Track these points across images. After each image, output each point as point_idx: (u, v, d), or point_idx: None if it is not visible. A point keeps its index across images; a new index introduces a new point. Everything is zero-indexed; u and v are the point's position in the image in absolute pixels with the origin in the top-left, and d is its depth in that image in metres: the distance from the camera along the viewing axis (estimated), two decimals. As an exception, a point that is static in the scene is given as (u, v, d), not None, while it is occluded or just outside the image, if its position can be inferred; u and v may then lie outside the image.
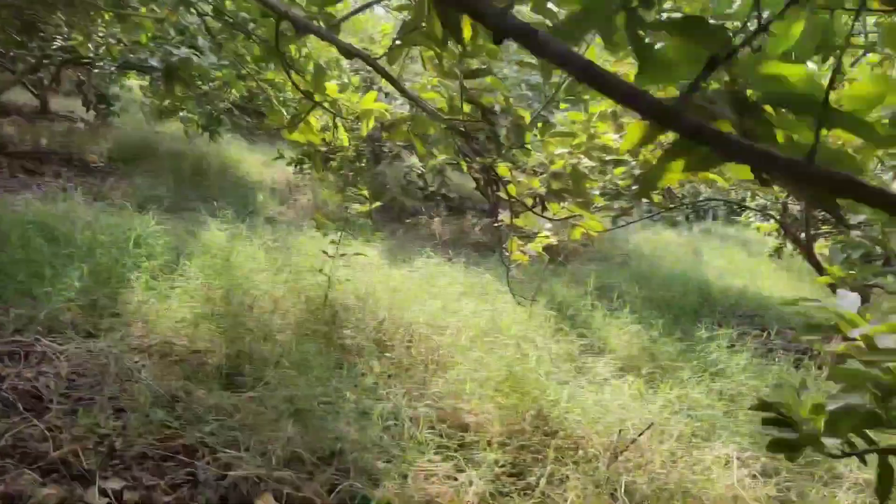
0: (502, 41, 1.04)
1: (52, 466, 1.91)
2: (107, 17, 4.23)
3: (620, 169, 3.99)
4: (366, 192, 3.67)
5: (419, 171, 7.84)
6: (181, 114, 9.32)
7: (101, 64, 6.37)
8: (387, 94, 7.56)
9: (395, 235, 7.05)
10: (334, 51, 5.47)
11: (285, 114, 6.76)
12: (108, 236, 3.48)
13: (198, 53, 5.73)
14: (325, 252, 3.55)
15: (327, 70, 5.97)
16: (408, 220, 7.73)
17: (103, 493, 1.83)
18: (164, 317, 2.91)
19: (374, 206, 3.70)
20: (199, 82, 6.08)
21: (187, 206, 5.90)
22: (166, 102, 9.40)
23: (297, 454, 2.08)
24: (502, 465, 2.26)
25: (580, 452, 2.36)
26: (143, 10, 2.53)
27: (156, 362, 2.56)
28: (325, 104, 2.67)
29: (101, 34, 5.77)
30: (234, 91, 5.35)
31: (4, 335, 2.55)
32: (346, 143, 3.76)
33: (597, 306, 4.17)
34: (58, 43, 6.49)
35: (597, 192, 3.77)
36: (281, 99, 7.06)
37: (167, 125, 9.63)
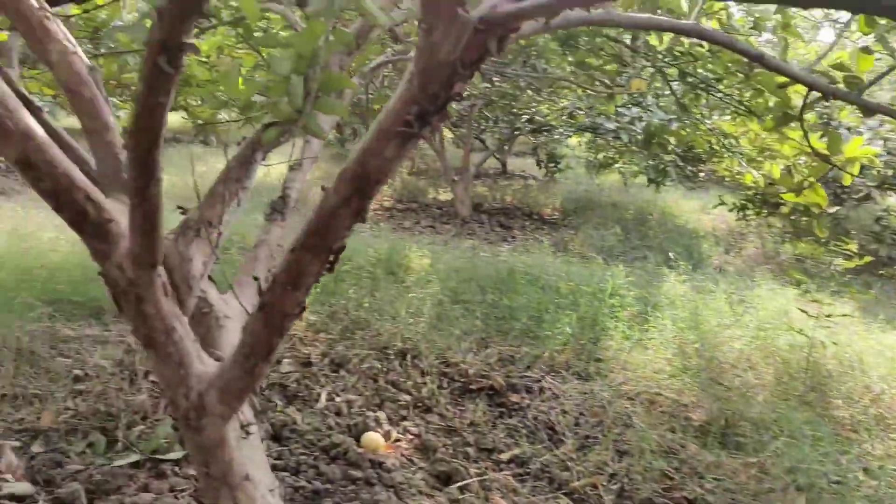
0: None
1: (573, 496, 2.18)
2: (579, 91, 4.80)
3: None
4: (853, 247, 3.32)
5: (901, 215, 6.72)
6: (616, 165, 9.87)
7: (560, 129, 7.16)
8: (849, 129, 6.75)
9: (869, 289, 6.16)
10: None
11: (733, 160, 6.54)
12: (587, 287, 3.87)
13: (647, 111, 6.02)
14: (803, 311, 3.31)
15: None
16: (881, 272, 6.68)
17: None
18: (643, 366, 3.07)
19: (863, 260, 3.31)
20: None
21: (636, 254, 6.17)
22: (600, 156, 10.09)
23: (813, 535, 1.96)
24: None
25: None
26: (636, 84, 2.80)
27: (644, 410, 2.72)
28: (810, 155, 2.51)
29: (564, 105, 6.56)
30: (694, 143, 5.43)
31: (519, 369, 3.04)
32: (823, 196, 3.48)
33: None
34: (525, 116, 7.58)
35: None
36: (725, 144, 6.90)
37: (605, 177, 10.31)
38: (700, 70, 3.23)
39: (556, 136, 8.39)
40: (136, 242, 1.08)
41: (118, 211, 1.15)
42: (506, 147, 11.60)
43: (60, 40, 1.15)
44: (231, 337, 1.73)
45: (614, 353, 3.24)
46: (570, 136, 8.19)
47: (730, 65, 3.06)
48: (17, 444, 2.33)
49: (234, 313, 1.76)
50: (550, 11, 0.83)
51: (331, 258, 1.20)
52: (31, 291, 3.35)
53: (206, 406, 1.38)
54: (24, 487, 2.15)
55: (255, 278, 1.21)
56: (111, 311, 3.41)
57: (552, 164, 10.36)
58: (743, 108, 2.96)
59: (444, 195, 9.01)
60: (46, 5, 1.18)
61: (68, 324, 3.21)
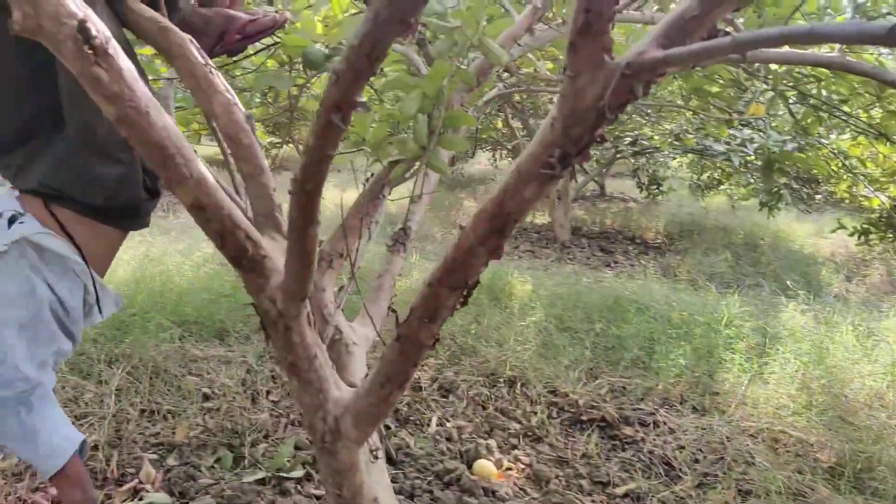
0: None
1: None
2: (688, 115, 4.69)
3: None
4: None
5: None
6: (722, 187, 9.49)
7: (665, 152, 6.99)
8: None
9: None
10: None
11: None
12: (700, 317, 3.74)
13: (760, 132, 5.78)
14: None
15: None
16: None
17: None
18: (764, 401, 2.93)
19: None
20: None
21: (748, 282, 5.91)
22: (705, 176, 9.73)
23: None
24: None
25: None
26: (754, 108, 2.70)
27: (767, 448, 2.59)
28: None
29: (670, 127, 6.41)
30: (815, 170, 5.17)
31: (631, 401, 2.97)
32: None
33: None
34: (628, 139, 7.46)
35: None
36: (847, 166, 6.54)
37: (710, 199, 9.94)
38: (823, 91, 3.09)
39: (660, 159, 8.20)
40: (291, 277, 1.16)
41: (272, 248, 1.24)
42: (604, 169, 11.44)
43: (223, 92, 1.26)
44: (357, 363, 1.80)
45: (731, 387, 3.11)
46: (674, 158, 7.98)
47: (856, 86, 2.92)
48: (155, 456, 2.51)
49: (360, 340, 1.84)
50: (699, 58, 0.83)
51: (465, 293, 1.24)
52: (163, 313, 3.61)
53: (342, 431, 1.44)
54: (162, 498, 2.31)
55: (394, 311, 1.26)
56: (233, 332, 3.62)
57: (654, 186, 10.10)
58: (872, 130, 2.80)
59: (541, 219, 8.97)
60: (210, 60, 1.30)
61: (196, 344, 3.43)
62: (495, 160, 13.02)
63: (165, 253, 5.12)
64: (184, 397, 2.89)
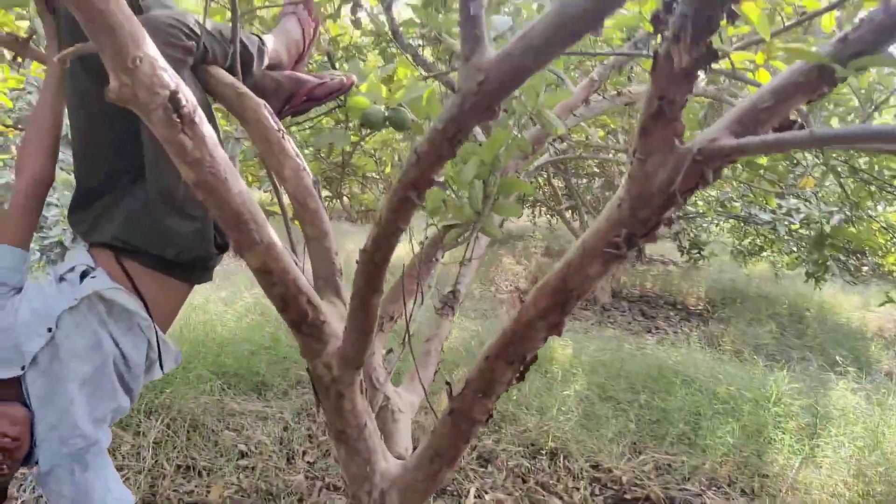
0: None
1: None
2: (735, 184, 4.67)
3: None
4: None
5: None
6: (764, 254, 9.30)
7: (709, 218, 6.92)
8: None
9: None
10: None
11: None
12: (748, 392, 3.61)
13: (806, 202, 5.69)
14: None
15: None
16: None
17: None
18: (817, 487, 2.79)
19: None
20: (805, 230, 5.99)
21: (795, 354, 5.72)
22: (746, 241, 9.55)
23: None
24: None
25: None
26: (805, 182, 2.67)
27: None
28: None
29: (713, 194, 6.38)
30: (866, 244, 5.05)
31: (677, 480, 2.85)
32: None
33: None
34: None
35: None
36: (892, 238, 6.35)
37: (752, 266, 9.74)
38: (875, 166, 3.04)
39: (703, 224, 8.11)
40: (349, 344, 1.16)
41: (330, 312, 1.25)
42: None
43: (293, 157, 1.30)
44: (403, 431, 1.77)
45: (781, 470, 2.97)
46: (717, 224, 7.89)
47: (912, 161, 2.87)
48: (188, 515, 2.48)
49: (405, 407, 1.82)
50: (773, 149, 0.83)
51: (522, 368, 1.22)
52: (204, 363, 3.64)
53: (387, 504, 1.41)
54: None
55: (447, 383, 1.24)
56: (271, 387, 3.62)
57: (695, 251, 9.95)
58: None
59: (580, 281, 8.87)
60: (282, 126, 1.34)
61: (235, 398, 3.43)
62: (534, 217, 13.02)
63: (208, 300, 5.19)
64: (220, 454, 2.87)
